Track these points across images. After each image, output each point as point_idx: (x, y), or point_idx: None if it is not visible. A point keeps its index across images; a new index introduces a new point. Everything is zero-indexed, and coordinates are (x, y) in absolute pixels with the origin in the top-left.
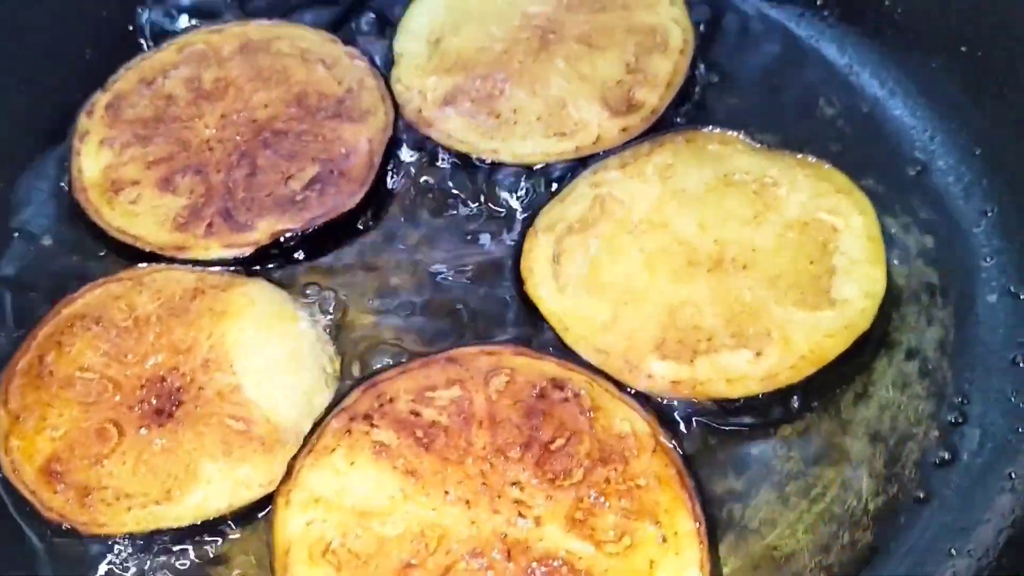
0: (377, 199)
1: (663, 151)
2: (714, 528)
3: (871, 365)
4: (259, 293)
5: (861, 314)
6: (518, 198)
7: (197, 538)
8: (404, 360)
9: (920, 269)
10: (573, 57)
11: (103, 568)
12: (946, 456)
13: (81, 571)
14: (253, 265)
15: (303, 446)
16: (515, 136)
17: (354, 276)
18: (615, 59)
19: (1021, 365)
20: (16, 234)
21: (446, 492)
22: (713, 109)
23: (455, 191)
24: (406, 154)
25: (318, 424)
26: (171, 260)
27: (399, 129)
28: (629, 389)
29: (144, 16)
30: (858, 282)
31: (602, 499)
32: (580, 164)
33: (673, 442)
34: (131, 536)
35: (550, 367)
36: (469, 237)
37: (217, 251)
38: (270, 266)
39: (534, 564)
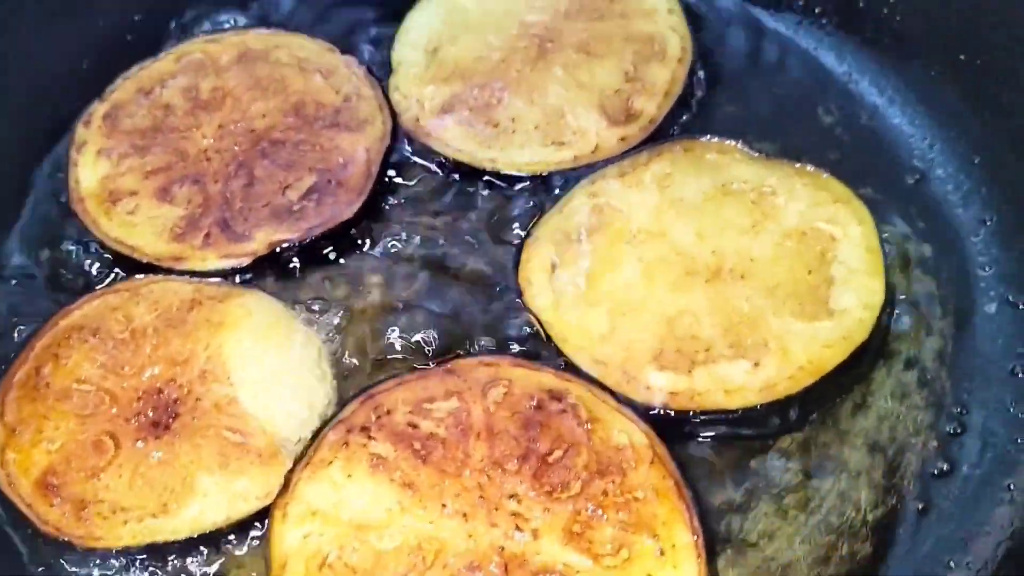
0: (375, 209)
1: (661, 160)
2: (712, 541)
3: (870, 375)
4: (256, 304)
5: (859, 325)
6: (516, 208)
7: (194, 552)
8: (402, 371)
9: (919, 278)
10: (571, 66)
11: None
12: (945, 467)
13: None
14: (250, 275)
15: (300, 458)
16: (513, 145)
17: (351, 286)
18: (613, 68)
19: (1020, 375)
20: (13, 244)
21: (443, 505)
22: (711, 118)
23: (453, 201)
24: (404, 163)
25: (315, 436)
26: (168, 271)
27: (397, 138)
28: (627, 400)
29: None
30: (856, 292)
31: (600, 512)
32: (578, 173)
33: (671, 454)
34: (127, 550)
35: (548, 378)
36: (467, 247)
37: (214, 262)
38: (268, 277)
39: None
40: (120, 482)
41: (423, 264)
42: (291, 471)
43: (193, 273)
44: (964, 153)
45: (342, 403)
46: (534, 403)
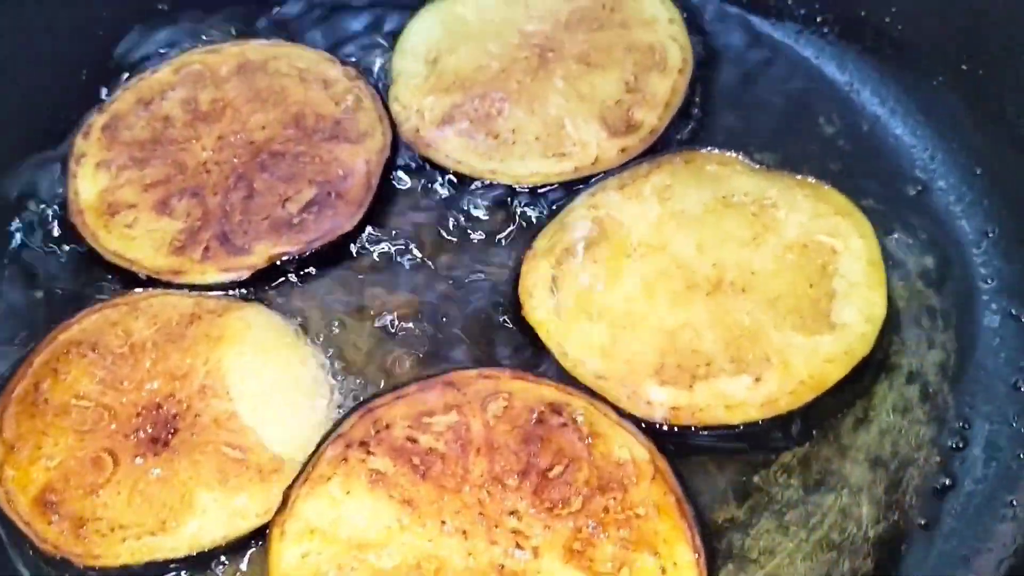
0: (375, 221)
1: (662, 172)
2: (713, 558)
3: (871, 389)
4: (256, 318)
5: (861, 339)
6: (516, 220)
7: (193, 570)
8: (401, 384)
9: (920, 291)
10: (572, 76)
11: None
12: (947, 482)
13: None
14: (250, 289)
15: (299, 474)
16: (513, 156)
17: (351, 299)
18: (614, 78)
19: (1023, 390)
20: (12, 256)
21: (443, 522)
22: (712, 128)
23: (453, 212)
24: (404, 175)
25: (314, 451)
26: (168, 284)
27: (397, 150)
28: (628, 415)
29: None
30: (858, 306)
31: (600, 529)
32: (578, 185)
33: (672, 469)
34: (126, 568)
35: (548, 391)
36: (467, 259)
37: (214, 275)
38: (267, 290)
39: None
40: (119, 499)
41: (423, 276)
42: (289, 487)
43: (192, 287)
44: (966, 164)
45: (341, 417)
46: (534, 417)
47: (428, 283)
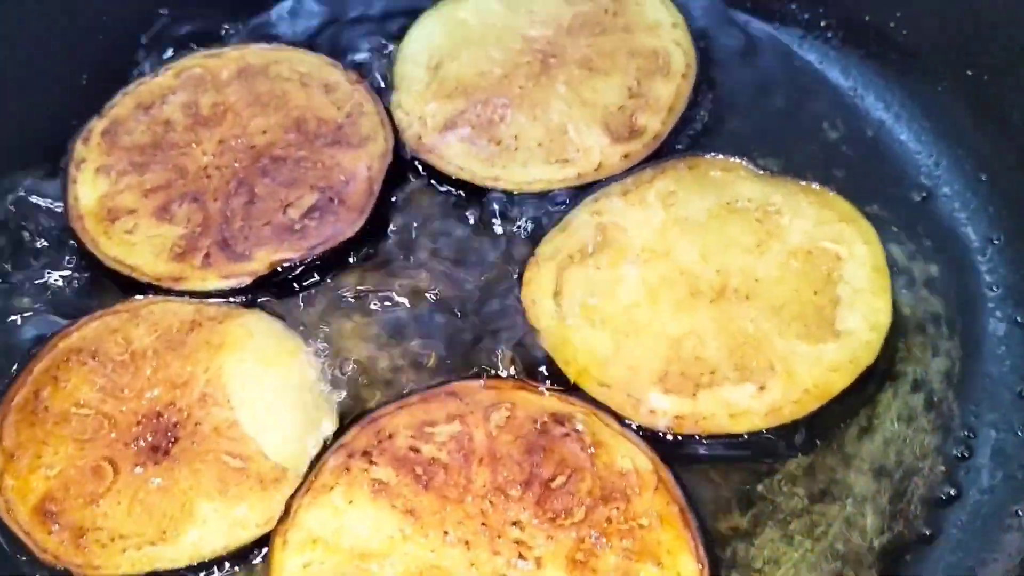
0: (377, 227)
1: (665, 178)
2: (717, 568)
3: (876, 397)
4: (257, 325)
5: (866, 347)
6: (519, 226)
7: None
8: (404, 393)
9: (925, 298)
10: (574, 81)
11: None
12: (952, 492)
13: None
14: (251, 295)
15: (301, 484)
16: (516, 163)
17: (353, 306)
18: (617, 83)
19: None
20: (11, 263)
21: (445, 532)
22: (715, 134)
23: (455, 219)
24: (406, 181)
25: (316, 461)
26: (168, 291)
27: (399, 155)
28: (631, 423)
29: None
30: (863, 313)
31: (603, 539)
32: (581, 191)
33: (675, 479)
34: None
35: (551, 401)
36: (470, 266)
37: (214, 282)
38: (268, 296)
39: None
40: (119, 509)
41: (425, 283)
42: (291, 497)
43: (193, 293)
44: (971, 170)
45: (343, 426)
46: (537, 427)
47: (430, 290)
